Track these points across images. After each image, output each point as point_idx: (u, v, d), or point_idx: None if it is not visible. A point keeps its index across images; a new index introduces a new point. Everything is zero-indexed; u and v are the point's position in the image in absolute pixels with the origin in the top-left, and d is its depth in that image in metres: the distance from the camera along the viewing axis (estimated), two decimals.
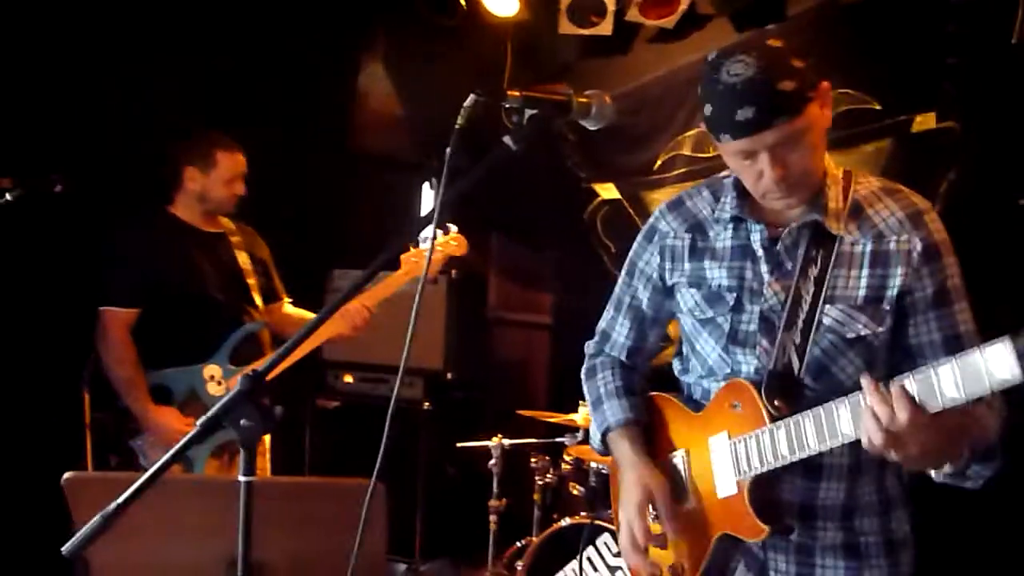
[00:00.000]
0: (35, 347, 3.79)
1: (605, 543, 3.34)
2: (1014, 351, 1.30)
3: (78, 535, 1.42)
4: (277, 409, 1.47)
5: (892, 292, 1.74)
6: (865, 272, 1.75)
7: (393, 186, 5.61)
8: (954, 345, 1.71)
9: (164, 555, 1.89)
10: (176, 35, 4.25)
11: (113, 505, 1.42)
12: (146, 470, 3.15)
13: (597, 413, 2.09)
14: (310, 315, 3.74)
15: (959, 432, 1.55)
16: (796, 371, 1.75)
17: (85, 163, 3.71)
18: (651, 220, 2.04)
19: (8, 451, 3.67)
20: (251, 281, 3.51)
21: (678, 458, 1.94)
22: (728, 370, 1.86)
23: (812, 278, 1.75)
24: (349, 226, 5.24)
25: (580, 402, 4.04)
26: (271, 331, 3.56)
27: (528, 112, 1.48)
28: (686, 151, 4.72)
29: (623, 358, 2.14)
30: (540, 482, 4.05)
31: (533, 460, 4.08)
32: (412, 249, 3.51)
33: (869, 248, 1.76)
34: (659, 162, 4.83)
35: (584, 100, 1.57)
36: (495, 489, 4.14)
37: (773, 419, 1.70)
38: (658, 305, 2.06)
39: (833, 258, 1.75)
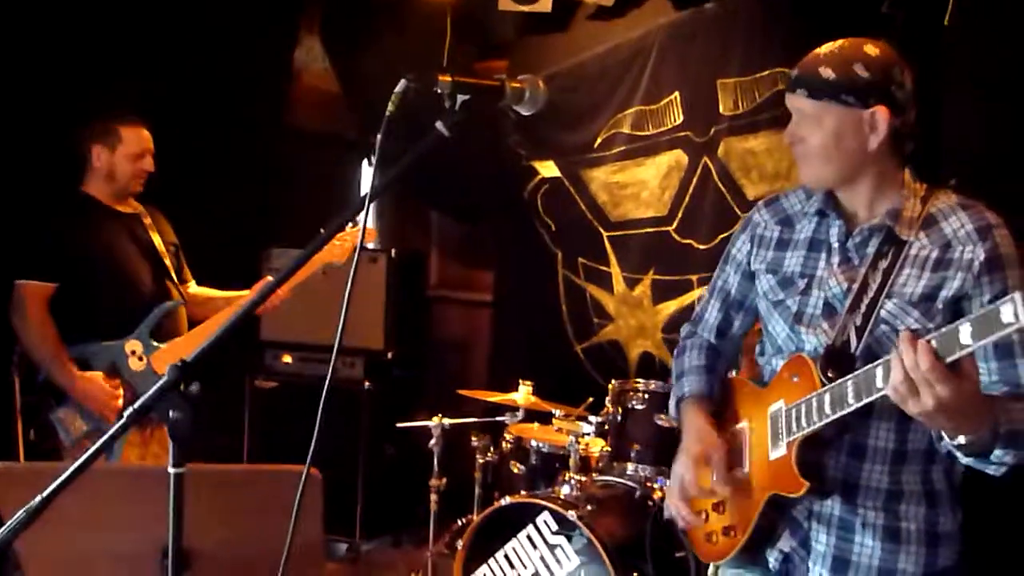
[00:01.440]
0: None
1: (545, 521, 3.35)
2: (1022, 300, 1.45)
3: (1, 531, 1.39)
4: (193, 386, 1.45)
5: (947, 293, 1.86)
6: (927, 274, 1.88)
7: (331, 163, 5.55)
8: (1005, 351, 1.83)
9: (96, 545, 1.86)
10: (106, 8, 4.14)
11: (37, 499, 1.39)
12: (65, 444, 3.15)
13: (677, 384, 2.28)
14: (217, 292, 3.74)
15: (983, 405, 1.66)
16: (853, 349, 1.90)
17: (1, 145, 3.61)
18: (750, 213, 2.23)
19: None
20: (167, 261, 3.53)
21: (741, 429, 2.12)
22: (794, 348, 2.03)
23: (880, 271, 1.91)
24: (286, 204, 5.16)
25: (520, 381, 4.07)
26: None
27: (460, 98, 1.46)
28: (625, 129, 4.74)
29: (712, 339, 2.31)
30: (481, 461, 4.06)
31: (474, 439, 4.09)
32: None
33: (935, 255, 1.89)
34: (599, 140, 4.84)
35: (517, 85, 1.56)
36: (435, 468, 4.14)
37: (824, 386, 1.85)
38: (745, 290, 2.23)
39: (901, 259, 1.90)
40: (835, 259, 1.98)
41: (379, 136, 1.42)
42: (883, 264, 1.91)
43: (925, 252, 1.89)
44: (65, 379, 3.22)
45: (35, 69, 3.91)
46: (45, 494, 1.39)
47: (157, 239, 3.52)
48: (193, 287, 3.74)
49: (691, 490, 2.05)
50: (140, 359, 3.31)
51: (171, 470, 1.47)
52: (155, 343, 3.34)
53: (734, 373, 2.49)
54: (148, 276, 3.44)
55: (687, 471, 2.06)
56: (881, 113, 1.87)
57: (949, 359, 1.55)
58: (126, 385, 3.30)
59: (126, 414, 1.41)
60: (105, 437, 1.43)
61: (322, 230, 1.44)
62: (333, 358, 1.61)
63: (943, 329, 1.57)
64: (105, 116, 3.41)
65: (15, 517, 1.39)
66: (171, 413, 1.44)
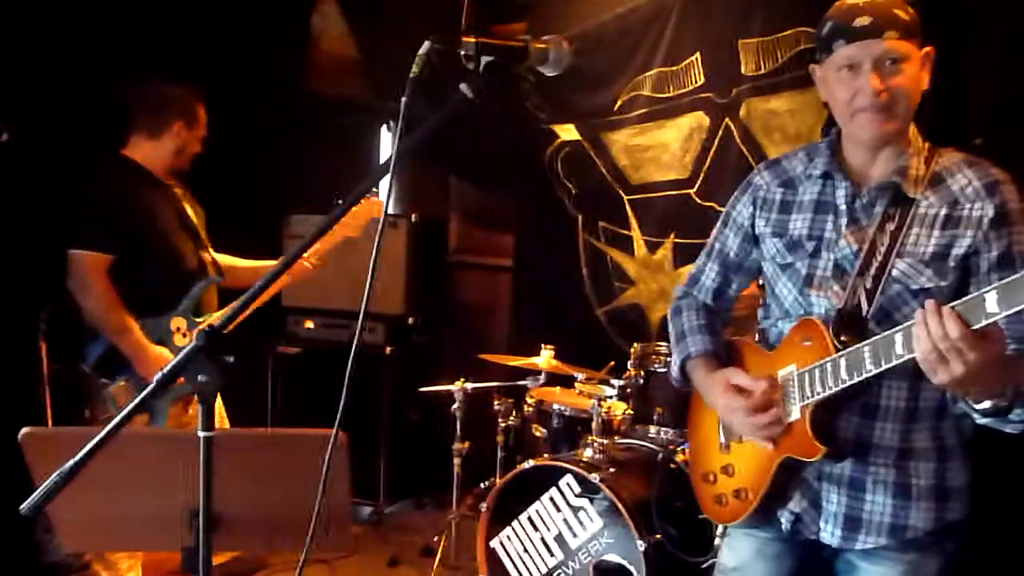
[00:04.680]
0: None
1: (568, 484, 3.37)
2: None
3: (35, 494, 1.41)
4: (227, 359, 1.46)
5: (959, 251, 1.86)
6: (936, 232, 1.88)
7: (350, 129, 5.53)
8: None
9: (126, 508, 1.89)
10: None
11: (70, 463, 1.41)
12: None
13: (679, 346, 2.25)
14: (239, 261, 3.71)
15: (1007, 367, 1.66)
16: (864, 312, 1.88)
17: (32, 112, 3.62)
18: (750, 176, 2.20)
19: None
20: (202, 233, 3.50)
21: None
22: (802, 311, 2.01)
23: (888, 232, 1.90)
24: (305, 170, 5.16)
25: (542, 345, 4.07)
26: None
27: (484, 59, 1.45)
28: (646, 91, 4.70)
29: (708, 300, 2.29)
30: (503, 424, 4.08)
31: (496, 403, 4.11)
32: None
33: (943, 212, 1.88)
34: (619, 102, 4.80)
35: (541, 46, 1.54)
36: (458, 432, 4.16)
37: (838, 351, 1.83)
38: (745, 253, 2.20)
39: (909, 218, 1.90)
40: (843, 220, 1.97)
41: (403, 99, 1.41)
42: (891, 225, 1.90)
43: (933, 211, 1.89)
44: (134, 350, 3.16)
45: (60, 35, 3.92)
46: (78, 458, 1.41)
47: (189, 210, 3.50)
48: (212, 254, 3.65)
49: (752, 405, 1.95)
50: (184, 335, 3.29)
51: (201, 433, 1.49)
52: (196, 319, 3.33)
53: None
54: (189, 249, 3.39)
55: (732, 401, 2.00)
56: (930, 50, 1.89)
57: (976, 327, 1.54)
58: None
59: (155, 378, 1.43)
60: (135, 401, 1.44)
61: (339, 201, 1.42)
62: (359, 325, 1.62)
63: (966, 298, 1.57)
64: (189, 93, 3.44)
65: (48, 480, 1.41)
66: (199, 377, 1.45)
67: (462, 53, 1.43)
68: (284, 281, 3.45)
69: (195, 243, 3.43)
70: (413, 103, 1.47)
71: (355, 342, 1.53)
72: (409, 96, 1.41)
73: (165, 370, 1.44)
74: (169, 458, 1.79)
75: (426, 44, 1.40)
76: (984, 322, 1.53)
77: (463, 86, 1.42)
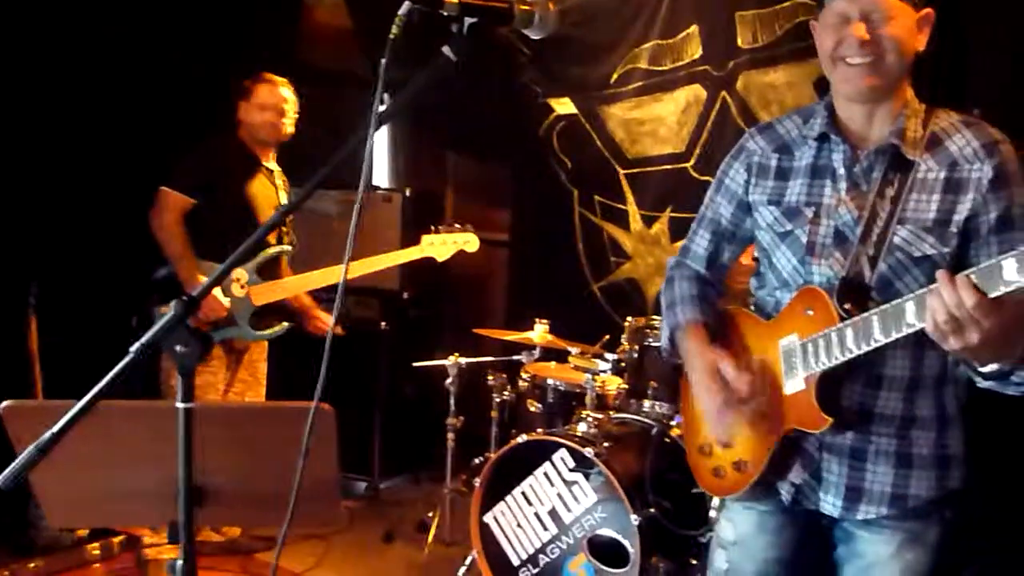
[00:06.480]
0: None
1: (561, 458, 3.36)
2: None
3: (11, 467, 1.38)
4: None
5: (960, 216, 1.83)
6: (936, 197, 1.84)
7: (343, 101, 5.47)
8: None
9: (111, 482, 1.86)
10: None
11: (47, 435, 1.38)
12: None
13: (669, 314, 2.21)
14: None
15: (1019, 327, 1.60)
16: (866, 279, 1.85)
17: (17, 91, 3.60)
18: (741, 140, 2.15)
19: None
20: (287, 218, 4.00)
21: (752, 363, 2.02)
22: (801, 280, 1.97)
23: (888, 198, 1.86)
24: (296, 142, 5.11)
25: (537, 320, 4.05)
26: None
27: (468, 20, 1.41)
28: (643, 64, 4.65)
29: (700, 269, 2.24)
30: (497, 399, 4.07)
31: (490, 378, 4.09)
32: (436, 233, 4.00)
33: (943, 175, 1.85)
34: (615, 75, 4.75)
35: (526, 8, 1.49)
36: (452, 407, 4.15)
37: (843, 320, 1.79)
38: (738, 220, 2.15)
39: (909, 182, 1.85)
40: (842, 185, 1.93)
41: (383, 61, 1.37)
42: (891, 190, 1.86)
43: (933, 175, 1.85)
44: (187, 276, 3.60)
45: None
46: (55, 429, 1.38)
47: (283, 196, 3.98)
48: (293, 235, 4.14)
49: (721, 394, 1.96)
50: (242, 287, 3.72)
51: (179, 405, 1.46)
52: (258, 278, 3.76)
53: None
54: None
55: (710, 384, 1.99)
56: (930, 12, 1.86)
57: (992, 295, 1.51)
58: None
59: (132, 349, 1.40)
60: (111, 375, 1.41)
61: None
62: (339, 299, 1.61)
63: (982, 265, 1.53)
64: (245, 77, 3.92)
65: (25, 453, 1.38)
66: (178, 348, 1.43)
67: (444, 15, 1.39)
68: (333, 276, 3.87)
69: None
70: (398, 69, 1.44)
71: (334, 315, 1.51)
72: (389, 59, 1.38)
73: (143, 340, 1.40)
74: (153, 431, 1.76)
75: (406, 4, 1.36)
76: (1002, 290, 1.49)
77: (445, 48, 1.38)
